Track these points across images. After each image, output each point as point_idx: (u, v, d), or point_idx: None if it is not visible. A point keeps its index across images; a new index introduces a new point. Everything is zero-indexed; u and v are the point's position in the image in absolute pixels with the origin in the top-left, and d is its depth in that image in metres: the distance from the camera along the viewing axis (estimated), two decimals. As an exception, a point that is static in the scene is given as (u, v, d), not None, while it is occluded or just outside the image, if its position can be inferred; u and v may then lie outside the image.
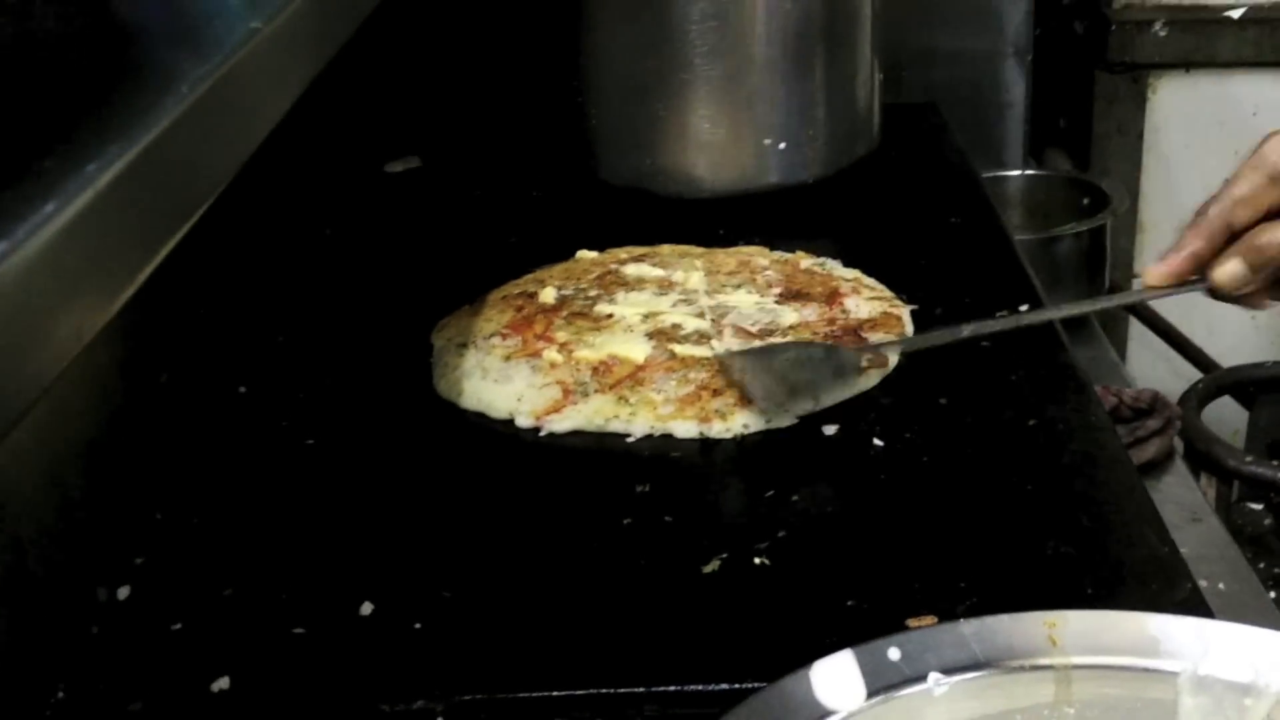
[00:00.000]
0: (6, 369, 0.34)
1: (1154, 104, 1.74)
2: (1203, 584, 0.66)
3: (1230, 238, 0.78)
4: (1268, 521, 1.30)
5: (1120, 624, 0.53)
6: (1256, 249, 0.76)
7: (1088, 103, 1.75)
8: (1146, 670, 0.52)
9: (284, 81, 0.60)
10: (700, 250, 1.01)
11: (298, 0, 0.55)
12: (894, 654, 0.52)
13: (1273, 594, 1.02)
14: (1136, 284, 0.78)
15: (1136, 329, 1.73)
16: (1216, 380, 1.50)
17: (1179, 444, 1.25)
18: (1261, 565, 1.22)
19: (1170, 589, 0.63)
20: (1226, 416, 1.51)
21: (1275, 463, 1.33)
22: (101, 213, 0.38)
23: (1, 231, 0.34)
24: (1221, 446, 1.32)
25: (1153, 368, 1.71)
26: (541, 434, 0.81)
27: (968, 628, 0.53)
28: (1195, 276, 0.79)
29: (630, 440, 0.79)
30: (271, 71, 0.57)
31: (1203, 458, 1.31)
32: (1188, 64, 1.70)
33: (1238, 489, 1.33)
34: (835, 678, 0.51)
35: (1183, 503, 1.09)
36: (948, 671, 0.52)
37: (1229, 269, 0.77)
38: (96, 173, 0.39)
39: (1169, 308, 1.69)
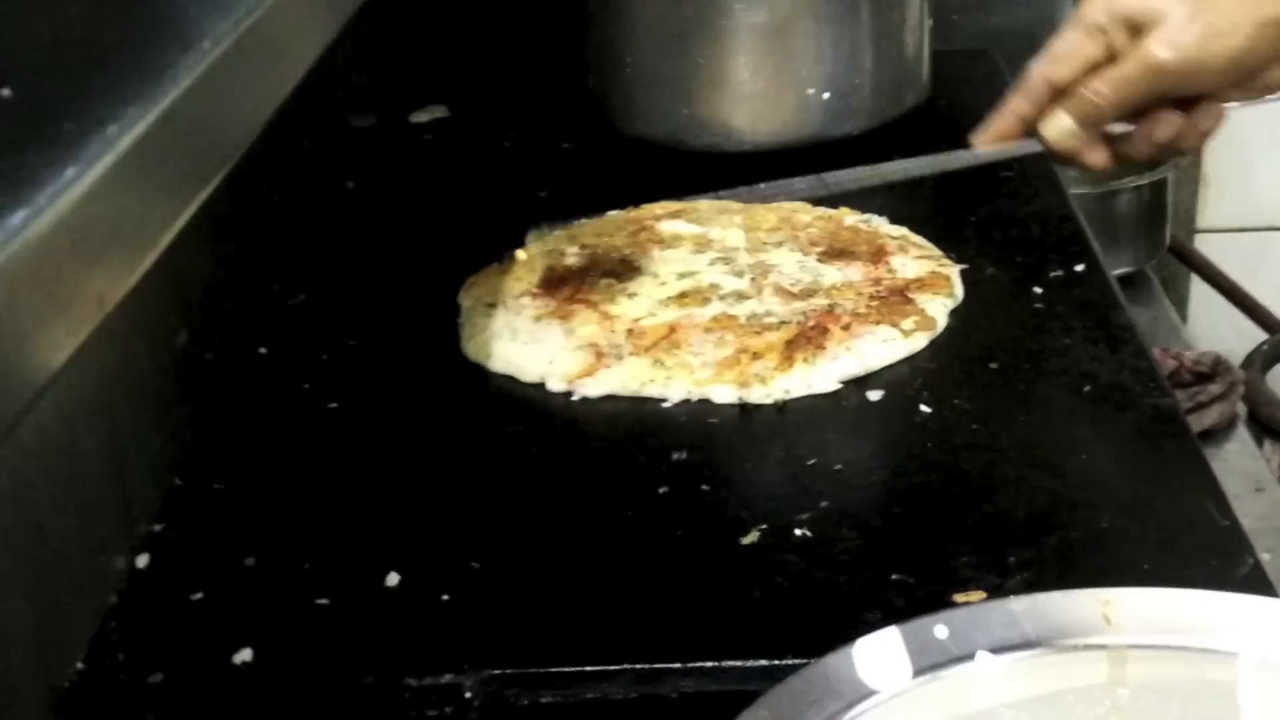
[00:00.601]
0: (29, 338, 0.34)
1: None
2: (1265, 557, 0.64)
3: (1057, 96, 0.81)
4: (1334, 489, 1.27)
5: (1178, 602, 0.52)
6: (1079, 99, 0.80)
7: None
8: (1205, 650, 0.51)
9: (307, 36, 0.59)
10: (739, 206, 0.98)
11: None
12: (941, 632, 0.51)
13: (1339, 564, 0.99)
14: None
15: (1198, 287, 1.69)
16: (1283, 341, 1.47)
17: (1242, 409, 1.23)
18: (1327, 534, 1.20)
19: (1231, 565, 0.61)
20: (1293, 379, 1.47)
21: (1342, 426, 1.30)
22: (123, 177, 0.38)
23: (22, 198, 0.34)
24: (1286, 410, 1.30)
25: (1215, 328, 1.68)
26: (574, 398, 0.79)
27: (1018, 605, 0.52)
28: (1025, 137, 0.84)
29: (666, 405, 0.77)
30: (294, 27, 0.57)
31: (1267, 423, 1.29)
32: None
33: (1302, 454, 1.30)
34: (879, 656, 0.50)
35: (1246, 471, 1.08)
36: (997, 650, 0.51)
37: (1055, 122, 0.81)
38: (117, 135, 0.38)
39: (1233, 265, 1.66)
